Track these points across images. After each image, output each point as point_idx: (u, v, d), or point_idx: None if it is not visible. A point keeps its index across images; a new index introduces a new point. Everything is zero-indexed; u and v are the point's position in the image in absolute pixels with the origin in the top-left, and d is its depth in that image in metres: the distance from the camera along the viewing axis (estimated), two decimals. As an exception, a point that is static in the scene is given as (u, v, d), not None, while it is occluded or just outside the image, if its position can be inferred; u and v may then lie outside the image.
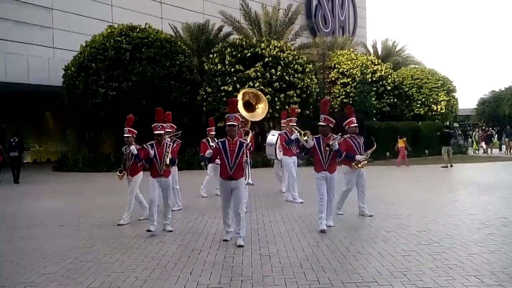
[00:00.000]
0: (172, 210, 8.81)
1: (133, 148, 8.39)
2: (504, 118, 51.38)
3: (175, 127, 10.33)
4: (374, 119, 27.29)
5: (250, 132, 9.43)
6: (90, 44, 21.69)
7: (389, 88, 28.77)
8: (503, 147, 31.83)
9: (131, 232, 7.96)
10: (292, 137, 10.91)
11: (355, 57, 28.87)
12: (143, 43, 21.43)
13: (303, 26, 29.95)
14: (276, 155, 11.66)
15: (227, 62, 21.00)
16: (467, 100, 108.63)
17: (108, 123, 21.92)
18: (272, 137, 11.81)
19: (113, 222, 8.69)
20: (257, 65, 20.78)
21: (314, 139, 7.80)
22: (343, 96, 27.77)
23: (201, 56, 26.49)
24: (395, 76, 30.49)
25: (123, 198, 9.11)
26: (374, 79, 28.16)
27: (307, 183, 10.48)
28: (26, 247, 7.06)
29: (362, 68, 27.70)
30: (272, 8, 27.30)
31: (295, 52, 22.84)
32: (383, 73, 28.70)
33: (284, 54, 21.38)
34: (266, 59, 20.86)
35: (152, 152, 7.74)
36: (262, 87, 19.37)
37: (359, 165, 8.49)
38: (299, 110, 20.19)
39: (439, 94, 31.62)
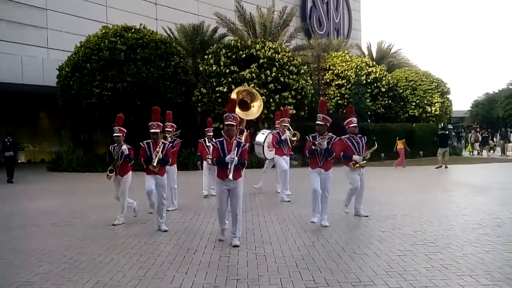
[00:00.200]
0: (167, 210, 8.79)
1: (125, 148, 8.36)
2: (497, 120, 51.76)
3: (175, 126, 10.35)
4: (369, 120, 27.35)
5: (245, 131, 9.45)
6: (85, 45, 21.61)
7: (383, 89, 28.84)
8: (498, 149, 31.98)
9: (126, 232, 7.92)
10: (283, 138, 10.99)
11: (349, 59, 28.93)
12: (138, 44, 21.36)
13: (298, 28, 30.02)
14: (264, 153, 11.69)
15: (222, 63, 20.98)
16: (461, 102, 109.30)
17: (103, 123, 21.83)
18: (262, 135, 11.84)
19: (108, 222, 8.65)
20: (252, 66, 20.77)
21: (311, 138, 7.90)
22: (338, 98, 27.83)
23: (196, 57, 26.45)
24: (389, 78, 30.56)
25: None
26: (368, 80, 28.22)
27: (302, 184, 10.51)
28: (21, 246, 7.02)
29: (357, 70, 27.76)
30: (267, 10, 27.34)
31: (290, 54, 22.85)
32: (377, 75, 28.76)
33: (279, 56, 21.39)
34: (261, 61, 20.85)
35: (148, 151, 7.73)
36: (257, 88, 19.33)
37: (356, 165, 8.50)
38: (294, 111, 20.32)
39: (433, 96, 31.70)
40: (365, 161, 8.64)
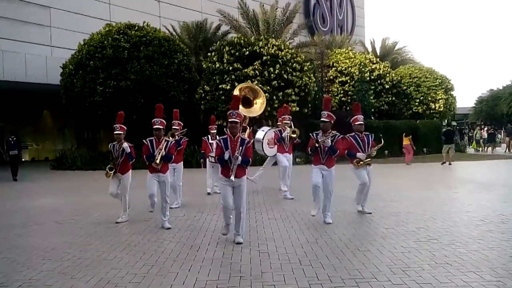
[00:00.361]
0: (171, 208, 8.80)
1: (126, 146, 8.34)
2: (502, 116, 51.54)
3: (182, 124, 10.37)
4: (373, 117, 27.29)
5: (248, 128, 9.42)
6: (88, 42, 21.61)
7: (387, 86, 28.78)
8: (502, 145, 31.85)
9: (129, 229, 7.93)
10: (283, 135, 11.00)
11: (353, 56, 28.83)
12: (141, 42, 21.35)
13: (301, 25, 29.97)
14: (263, 150, 11.70)
15: (225, 61, 20.96)
16: (465, 98, 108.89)
17: (106, 121, 21.82)
18: (261, 132, 11.86)
19: (111, 220, 8.66)
20: (255, 63, 20.74)
21: (314, 135, 7.91)
22: (342, 95, 27.79)
23: (199, 54, 26.42)
24: (393, 74, 30.48)
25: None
26: (372, 77, 28.13)
27: (305, 181, 10.48)
28: (24, 244, 7.04)
29: (360, 67, 27.69)
30: (270, 7, 27.25)
31: (293, 51, 22.80)
32: (381, 72, 28.67)
33: (282, 53, 21.34)
34: (264, 58, 20.82)
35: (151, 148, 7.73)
36: (260, 85, 19.32)
37: (360, 163, 8.46)
38: (297, 109, 20.30)
39: (437, 93, 31.58)
40: (370, 159, 8.60)
